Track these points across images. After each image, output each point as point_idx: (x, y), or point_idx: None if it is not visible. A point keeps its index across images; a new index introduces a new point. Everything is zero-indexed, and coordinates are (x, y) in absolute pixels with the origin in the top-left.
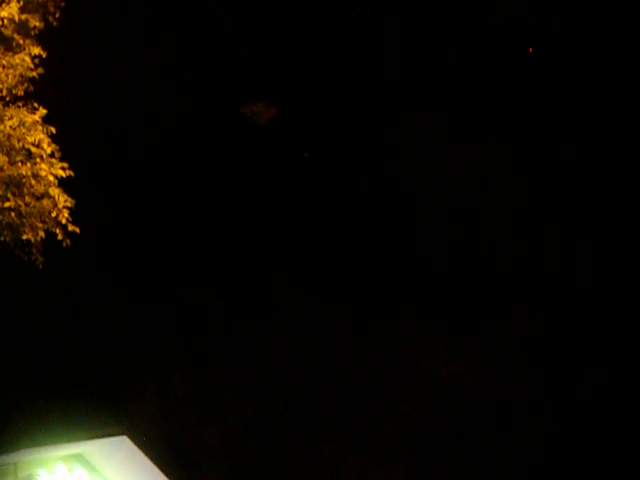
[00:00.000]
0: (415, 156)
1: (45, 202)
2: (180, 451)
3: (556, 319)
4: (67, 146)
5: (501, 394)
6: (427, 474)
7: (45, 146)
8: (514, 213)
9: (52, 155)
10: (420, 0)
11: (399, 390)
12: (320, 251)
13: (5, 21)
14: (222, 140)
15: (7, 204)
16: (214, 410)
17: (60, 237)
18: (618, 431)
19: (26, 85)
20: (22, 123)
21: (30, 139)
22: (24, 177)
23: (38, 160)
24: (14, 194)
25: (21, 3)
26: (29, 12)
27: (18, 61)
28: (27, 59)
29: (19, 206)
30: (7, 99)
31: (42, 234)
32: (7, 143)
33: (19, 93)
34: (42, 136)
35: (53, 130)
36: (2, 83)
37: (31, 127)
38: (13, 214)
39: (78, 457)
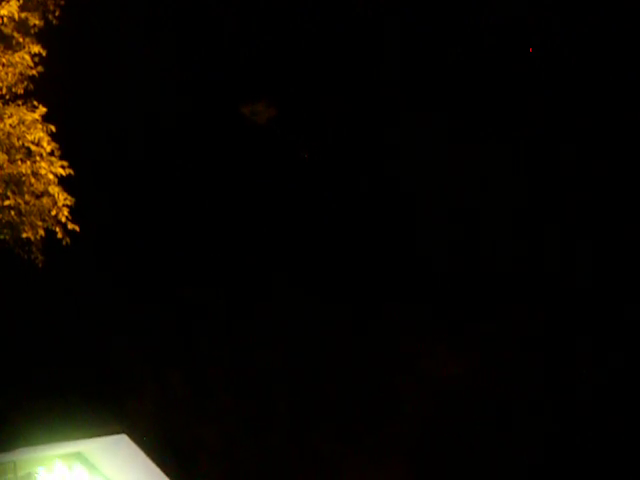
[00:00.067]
0: (415, 156)
1: (45, 200)
2: (179, 450)
3: (556, 319)
4: (67, 144)
5: (501, 394)
6: (427, 474)
7: (45, 144)
8: (514, 213)
9: (52, 153)
10: (420, 0)
11: (399, 390)
12: (320, 251)
13: (5, 19)
14: (222, 140)
15: (7, 202)
16: (214, 409)
17: (60, 235)
18: (618, 431)
19: (26, 83)
20: (22, 121)
21: (30, 137)
22: (24, 175)
23: (38, 158)
24: (14, 192)
25: (21, 1)
26: (29, 10)
27: (18, 59)
28: (27, 57)
29: (19, 204)
30: (7, 97)
31: (42, 232)
32: (7, 141)
33: (19, 91)
34: (42, 134)
35: (53, 128)
36: (2, 81)
37: (31, 125)
38: (13, 212)
39: (77, 455)
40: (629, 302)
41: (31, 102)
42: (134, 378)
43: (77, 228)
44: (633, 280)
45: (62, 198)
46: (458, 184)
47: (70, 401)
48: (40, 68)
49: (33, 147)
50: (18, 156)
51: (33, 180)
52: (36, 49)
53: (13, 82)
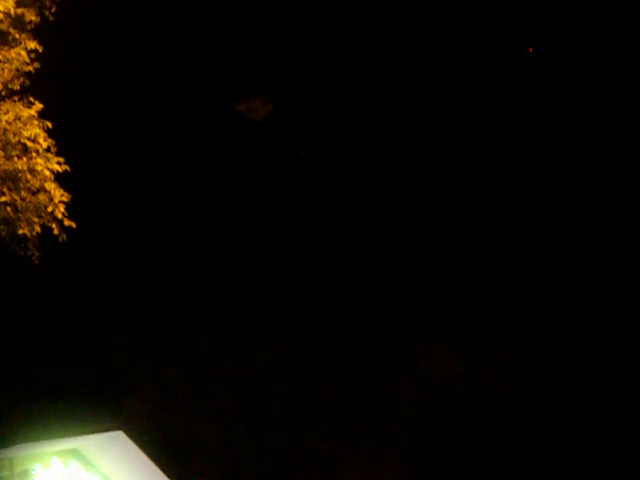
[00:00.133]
0: (415, 156)
1: (41, 197)
2: (176, 447)
3: (556, 319)
4: (63, 141)
5: (501, 394)
6: (427, 474)
7: (41, 141)
8: (514, 213)
9: (48, 150)
10: (420, 0)
11: (399, 390)
12: (320, 251)
13: (1, 15)
14: (222, 140)
15: (3, 199)
16: (213, 409)
17: (56, 232)
18: (618, 431)
19: (22, 79)
20: (18, 117)
21: (26, 133)
22: (20, 172)
23: (34, 155)
24: (10, 189)
25: None
26: (25, 6)
27: (14, 55)
28: (23, 53)
29: (15, 201)
30: (3, 93)
31: (38, 229)
32: (3, 137)
33: (15, 87)
34: (38, 131)
35: (49, 125)
36: None
37: (27, 121)
38: (9, 209)
39: (74, 452)
40: (629, 302)
41: (27, 98)
42: (134, 377)
43: (74, 225)
44: (633, 280)
45: (58, 194)
46: (458, 184)
47: (70, 401)
48: (36, 64)
49: (29, 143)
50: (14, 152)
51: (29, 176)
52: (32, 45)
53: (9, 78)
